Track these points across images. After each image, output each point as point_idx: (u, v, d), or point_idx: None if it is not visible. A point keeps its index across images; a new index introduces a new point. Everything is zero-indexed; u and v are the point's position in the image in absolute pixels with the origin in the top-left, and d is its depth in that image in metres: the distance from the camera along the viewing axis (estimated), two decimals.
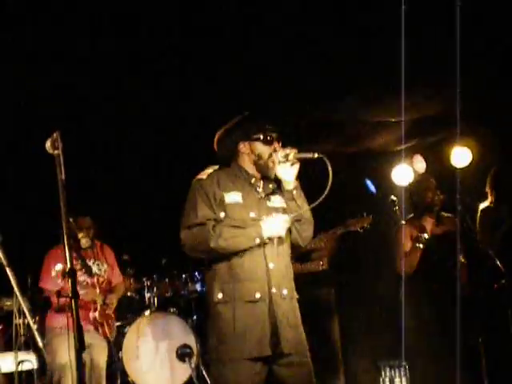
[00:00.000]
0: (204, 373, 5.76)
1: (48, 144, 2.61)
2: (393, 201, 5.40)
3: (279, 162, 3.33)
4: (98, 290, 5.23)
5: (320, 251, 5.45)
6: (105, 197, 6.29)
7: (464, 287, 4.97)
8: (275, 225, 3.26)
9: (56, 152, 2.60)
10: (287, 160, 3.31)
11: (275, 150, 3.37)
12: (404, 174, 5.98)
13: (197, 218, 3.27)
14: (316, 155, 3.24)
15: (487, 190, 5.14)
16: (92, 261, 5.35)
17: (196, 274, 6.34)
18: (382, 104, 4.70)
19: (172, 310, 6.13)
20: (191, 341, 5.79)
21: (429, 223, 5.07)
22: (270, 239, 3.27)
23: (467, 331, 4.92)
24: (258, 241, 3.23)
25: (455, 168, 5.70)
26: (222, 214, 3.31)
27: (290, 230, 3.40)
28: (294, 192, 3.39)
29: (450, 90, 4.53)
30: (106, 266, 5.43)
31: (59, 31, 3.80)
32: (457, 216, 4.87)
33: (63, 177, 2.53)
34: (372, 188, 6.81)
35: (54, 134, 2.61)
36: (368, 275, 6.57)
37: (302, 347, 3.29)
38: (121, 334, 5.77)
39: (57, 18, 3.69)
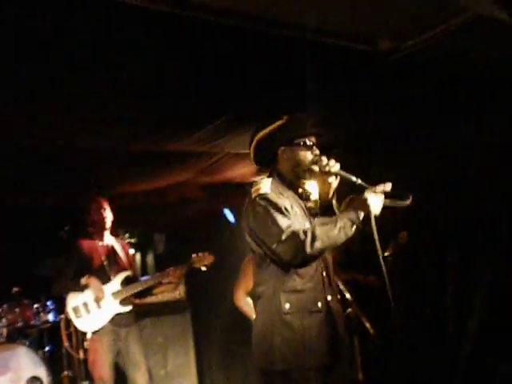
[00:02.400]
0: None
1: None
2: None
3: (320, 171, 3.26)
4: None
5: (167, 285, 5.50)
6: None
7: None
8: (374, 203, 3.11)
9: None
10: (327, 171, 3.23)
11: (318, 157, 3.30)
12: None
13: (282, 229, 3.08)
14: (358, 181, 3.19)
15: None
16: None
17: (49, 303, 6.13)
18: (239, 136, 4.77)
19: (22, 341, 5.88)
20: (41, 373, 5.58)
21: None
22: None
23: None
24: (354, 227, 3.09)
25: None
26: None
27: None
28: (333, 202, 3.35)
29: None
30: None
31: None
32: None
33: None
34: (231, 218, 6.92)
35: None
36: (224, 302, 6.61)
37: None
38: None
39: None
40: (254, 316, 4.89)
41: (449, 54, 4.12)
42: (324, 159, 3.26)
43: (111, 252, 5.49)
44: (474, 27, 3.69)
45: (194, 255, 5.37)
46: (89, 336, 5.22)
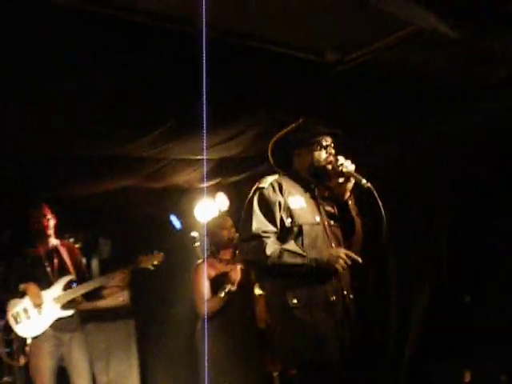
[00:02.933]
0: None
1: None
2: (193, 237, 5.50)
3: (332, 171, 3.32)
4: None
5: (112, 288, 5.41)
6: None
7: (261, 320, 5.15)
8: (336, 260, 3.15)
9: None
10: (339, 172, 3.29)
11: (332, 156, 3.37)
12: (206, 211, 6.11)
13: (251, 230, 3.17)
14: (367, 184, 3.21)
15: None
16: None
17: None
18: (186, 141, 4.77)
19: None
20: None
21: (223, 261, 5.20)
22: (325, 270, 3.17)
23: (266, 364, 5.11)
24: (315, 270, 3.14)
25: None
26: (289, 220, 3.23)
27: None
28: (349, 202, 3.38)
29: (251, 131, 4.76)
30: None
31: None
32: None
33: None
34: (177, 224, 6.89)
35: None
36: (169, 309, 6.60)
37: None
38: None
39: None
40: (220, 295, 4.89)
41: (392, 66, 4.21)
42: (340, 159, 3.34)
43: (55, 256, 5.40)
44: (417, 40, 3.79)
45: (141, 256, 5.31)
46: (29, 342, 5.13)
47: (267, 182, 3.35)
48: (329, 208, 3.45)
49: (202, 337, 4.87)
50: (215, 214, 6.07)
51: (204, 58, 2.91)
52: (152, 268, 5.23)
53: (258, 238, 3.17)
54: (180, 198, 6.52)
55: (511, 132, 4.84)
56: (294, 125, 3.51)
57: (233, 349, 4.94)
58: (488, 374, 4.91)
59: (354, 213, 3.42)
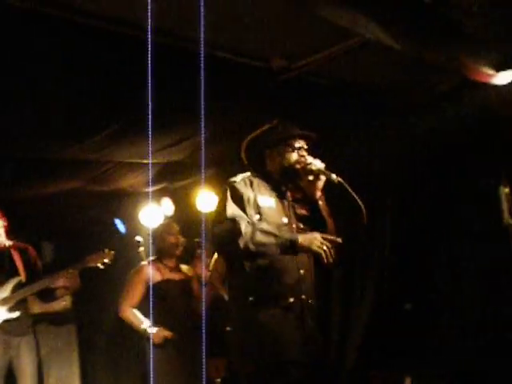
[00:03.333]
0: None
1: None
2: (138, 242, 5.46)
3: (305, 170, 3.32)
4: None
5: (63, 290, 5.28)
6: None
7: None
8: (311, 241, 3.14)
9: None
10: (311, 170, 3.30)
11: (302, 157, 3.37)
12: (152, 215, 6.07)
13: (226, 213, 3.17)
14: (338, 179, 3.21)
15: None
16: None
17: None
18: (132, 145, 4.73)
19: None
20: None
21: (168, 267, 5.17)
22: (300, 251, 3.17)
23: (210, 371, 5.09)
24: (289, 250, 3.14)
25: (202, 212, 5.90)
26: (257, 216, 3.22)
27: None
28: (320, 203, 3.38)
29: (198, 136, 4.74)
30: None
31: None
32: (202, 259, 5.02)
33: None
34: (121, 227, 6.83)
35: None
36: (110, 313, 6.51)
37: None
38: None
39: None
40: (141, 326, 4.89)
41: (339, 75, 4.26)
42: (308, 158, 3.36)
43: (5, 258, 5.29)
44: (362, 50, 3.84)
45: (88, 255, 5.19)
46: None
47: (239, 177, 3.37)
48: (301, 210, 3.46)
49: (148, 345, 4.85)
50: (160, 218, 6.02)
51: (149, 61, 2.88)
52: (102, 267, 5.10)
53: (233, 221, 3.16)
54: (125, 201, 6.46)
55: (453, 142, 4.94)
56: (267, 125, 3.54)
57: (177, 357, 4.93)
58: (427, 380, 5.00)
59: (325, 213, 3.43)
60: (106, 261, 5.11)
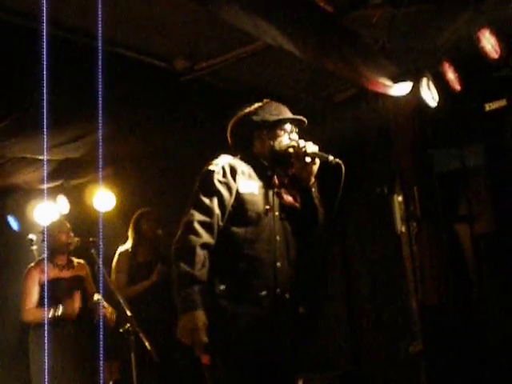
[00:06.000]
0: None
1: None
2: (31, 240, 5.30)
3: (294, 155, 3.05)
4: None
5: None
6: None
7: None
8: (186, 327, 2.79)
9: None
10: (302, 154, 3.02)
11: (294, 141, 3.10)
12: (46, 213, 5.91)
13: (189, 213, 2.91)
14: (334, 160, 2.96)
15: (129, 232, 5.29)
16: None
17: None
18: (28, 141, 4.59)
19: None
20: None
21: (58, 266, 5.04)
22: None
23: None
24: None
25: (99, 211, 5.80)
26: (235, 204, 2.97)
27: (305, 231, 3.16)
28: (312, 189, 3.10)
29: (96, 134, 4.65)
30: None
31: None
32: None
33: None
34: (15, 225, 6.60)
35: None
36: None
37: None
38: None
39: None
40: (49, 315, 4.70)
41: (241, 78, 4.29)
42: (301, 142, 3.11)
43: None
44: (265, 55, 3.89)
45: None
46: None
47: (219, 164, 3.05)
48: (287, 198, 3.19)
49: (36, 347, 4.74)
50: (55, 216, 5.86)
51: (44, 54, 2.78)
52: None
53: (188, 224, 2.92)
54: (19, 198, 6.25)
55: (350, 150, 5.06)
56: (256, 105, 3.22)
57: (69, 361, 4.81)
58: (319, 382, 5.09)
59: (317, 201, 3.16)
60: None
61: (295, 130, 3.20)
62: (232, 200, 3.01)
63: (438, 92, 4.06)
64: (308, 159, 3.04)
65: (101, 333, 3.71)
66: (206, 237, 2.91)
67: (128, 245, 5.27)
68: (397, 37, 4.03)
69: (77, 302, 4.83)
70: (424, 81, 4.09)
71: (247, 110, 3.22)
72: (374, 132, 4.97)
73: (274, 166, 3.18)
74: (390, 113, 4.78)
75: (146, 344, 4.29)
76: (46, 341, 4.52)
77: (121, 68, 3.77)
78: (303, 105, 4.77)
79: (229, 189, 3.00)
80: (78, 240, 5.02)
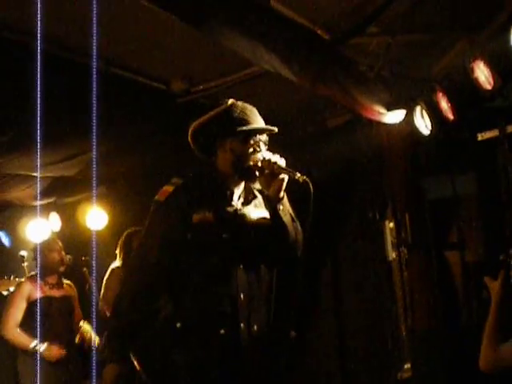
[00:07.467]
0: None
1: None
2: (22, 256, 5.28)
3: (261, 168, 2.67)
4: None
5: None
6: None
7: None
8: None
9: None
10: (270, 169, 2.65)
11: (258, 152, 2.70)
12: (38, 230, 5.90)
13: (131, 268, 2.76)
14: (301, 177, 2.60)
15: (117, 251, 5.28)
16: None
17: None
18: (21, 157, 4.59)
19: None
20: None
21: (48, 284, 5.02)
22: None
23: None
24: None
25: (91, 229, 5.80)
26: (189, 236, 2.62)
27: (272, 251, 2.76)
28: (280, 207, 2.69)
29: (90, 153, 4.66)
30: None
31: None
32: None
33: None
34: (6, 241, 6.59)
35: None
36: None
37: None
38: None
39: None
40: (30, 345, 4.69)
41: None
42: (272, 155, 2.71)
43: None
44: (261, 80, 3.92)
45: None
46: None
47: (166, 191, 2.75)
48: (251, 216, 2.81)
49: (25, 371, 4.70)
50: (47, 234, 5.86)
51: (39, 72, 2.78)
52: (5, 293, 4.93)
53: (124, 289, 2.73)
54: (11, 214, 6.25)
55: (343, 175, 5.09)
56: (219, 109, 2.77)
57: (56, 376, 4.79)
58: None
59: (287, 218, 2.75)
60: (11, 289, 4.94)
61: (264, 139, 2.78)
62: (185, 228, 2.68)
63: (431, 120, 4.08)
64: (282, 175, 2.67)
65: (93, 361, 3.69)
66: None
67: (118, 263, 5.27)
68: (391, 65, 4.08)
69: (62, 350, 4.82)
70: (417, 109, 4.12)
71: (208, 114, 2.79)
72: (366, 158, 4.99)
73: (238, 181, 2.80)
74: (383, 140, 4.81)
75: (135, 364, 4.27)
76: (37, 364, 4.54)
77: (118, 88, 3.80)
78: (297, 129, 4.83)
79: (178, 216, 2.70)
80: (71, 258, 5.01)
